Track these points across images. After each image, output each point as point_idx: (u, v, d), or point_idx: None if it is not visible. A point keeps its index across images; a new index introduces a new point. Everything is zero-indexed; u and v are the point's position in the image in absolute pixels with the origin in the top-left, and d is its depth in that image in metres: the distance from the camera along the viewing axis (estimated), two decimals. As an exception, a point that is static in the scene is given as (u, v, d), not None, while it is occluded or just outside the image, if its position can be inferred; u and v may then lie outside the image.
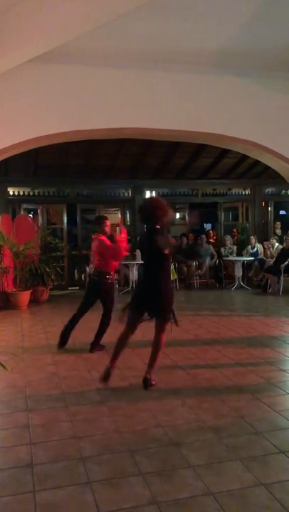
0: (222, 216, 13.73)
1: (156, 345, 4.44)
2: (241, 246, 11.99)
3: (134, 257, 10.26)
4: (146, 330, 6.68)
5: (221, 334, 6.46)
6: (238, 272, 10.92)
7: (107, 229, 5.97)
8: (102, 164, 11.44)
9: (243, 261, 11.03)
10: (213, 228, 15.24)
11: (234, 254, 11.48)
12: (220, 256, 11.50)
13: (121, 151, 10.85)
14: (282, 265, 9.79)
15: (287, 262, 9.80)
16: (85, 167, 11.40)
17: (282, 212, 15.65)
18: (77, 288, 11.48)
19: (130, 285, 10.29)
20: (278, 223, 13.25)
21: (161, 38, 6.97)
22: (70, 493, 2.70)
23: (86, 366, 5.11)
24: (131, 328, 4.50)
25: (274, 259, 10.42)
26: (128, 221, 13.08)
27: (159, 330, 4.43)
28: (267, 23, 6.83)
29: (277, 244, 11.03)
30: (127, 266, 10.41)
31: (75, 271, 12.43)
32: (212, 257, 11.54)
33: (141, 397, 4.11)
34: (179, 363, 5.12)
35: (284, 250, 10.24)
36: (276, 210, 14.33)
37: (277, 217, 14.32)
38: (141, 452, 3.14)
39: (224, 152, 11.17)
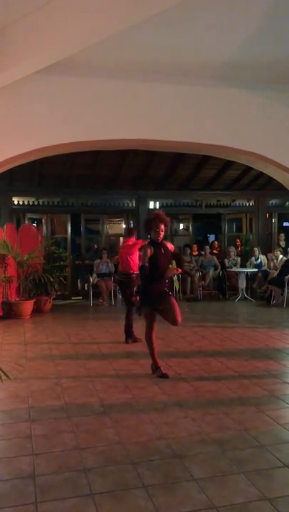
0: (226, 227, 13.74)
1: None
2: (245, 257, 11.98)
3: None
4: (143, 343, 6.67)
5: (224, 346, 6.43)
6: (242, 284, 10.89)
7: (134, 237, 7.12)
8: (106, 175, 11.50)
9: (247, 272, 11.01)
10: (217, 239, 15.24)
11: (238, 266, 11.47)
12: (223, 267, 11.49)
13: (125, 162, 10.91)
14: (286, 277, 9.77)
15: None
16: (90, 177, 11.46)
17: (286, 223, 15.65)
18: (80, 298, 11.48)
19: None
20: (282, 235, 13.25)
21: (166, 50, 7.05)
22: (73, 505, 2.68)
23: (89, 377, 5.08)
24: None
25: (278, 270, 10.40)
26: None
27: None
28: (271, 36, 6.90)
29: (281, 255, 11.01)
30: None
31: (78, 281, 12.44)
32: (216, 268, 11.53)
33: (144, 409, 4.09)
34: (182, 374, 5.09)
35: (288, 262, 10.22)
36: (280, 221, 14.34)
37: (281, 228, 14.32)
38: (144, 464, 3.11)
39: (228, 164, 11.22)
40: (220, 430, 3.63)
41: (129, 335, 6.65)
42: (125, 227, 7.48)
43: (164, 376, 4.94)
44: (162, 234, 5.07)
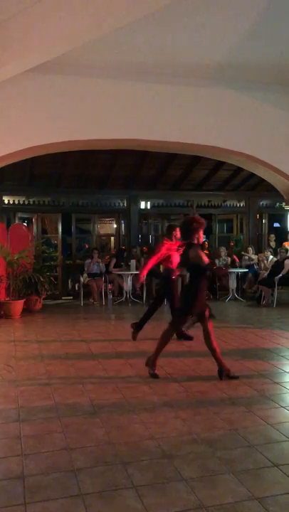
0: (217, 228, 13.78)
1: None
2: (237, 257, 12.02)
3: (128, 268, 10.26)
4: (137, 342, 6.67)
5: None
6: (232, 284, 10.94)
7: (175, 235, 6.57)
8: (98, 174, 11.49)
9: (237, 273, 11.05)
10: (208, 239, 15.27)
11: (229, 266, 11.50)
12: (214, 267, 11.52)
13: (117, 162, 10.91)
14: (276, 277, 9.82)
15: (281, 274, 9.84)
16: (81, 177, 11.44)
17: (276, 224, 15.73)
18: (71, 298, 11.45)
19: (124, 296, 10.26)
20: (272, 236, 13.32)
21: (160, 50, 7.06)
22: (62, 505, 2.66)
23: (79, 377, 5.07)
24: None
25: (268, 271, 10.46)
26: (123, 231, 13.11)
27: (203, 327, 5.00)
28: (265, 38, 6.94)
29: (271, 256, 11.07)
30: (121, 276, 10.40)
31: (69, 280, 12.41)
32: (206, 269, 11.56)
33: (134, 409, 4.08)
34: (173, 374, 5.10)
35: (278, 263, 10.28)
36: (270, 222, 14.42)
37: (271, 229, 14.40)
38: (134, 464, 3.11)
39: (219, 164, 11.27)
40: (210, 430, 3.64)
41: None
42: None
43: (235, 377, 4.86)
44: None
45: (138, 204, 12.68)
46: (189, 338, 6.63)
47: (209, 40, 6.97)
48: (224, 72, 7.87)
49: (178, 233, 6.46)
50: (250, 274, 11.22)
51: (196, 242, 4.91)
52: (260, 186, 12.37)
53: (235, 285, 10.96)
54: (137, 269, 10.22)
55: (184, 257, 5.13)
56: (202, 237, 5.01)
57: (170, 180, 12.40)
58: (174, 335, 6.53)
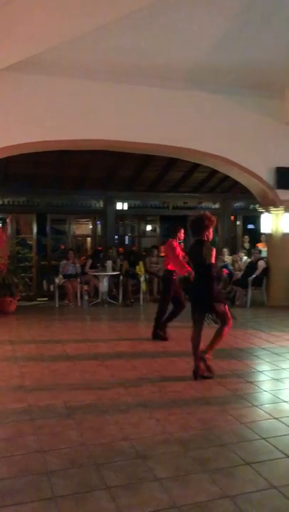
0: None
1: (216, 334, 5.04)
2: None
3: (104, 269, 10.23)
4: (112, 344, 6.66)
5: (189, 346, 6.43)
6: (208, 285, 11.00)
7: (180, 236, 6.75)
8: (74, 175, 11.43)
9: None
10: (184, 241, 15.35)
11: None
12: (190, 268, 11.58)
13: (93, 162, 10.87)
14: (250, 278, 9.95)
15: (254, 275, 9.97)
16: (56, 177, 11.36)
17: (250, 226, 15.95)
18: (46, 299, 11.33)
19: (100, 297, 10.23)
20: (246, 237, 13.50)
21: (136, 52, 7.08)
22: (33, 509, 2.64)
23: (53, 379, 5.03)
24: (198, 326, 5.03)
25: (242, 272, 10.58)
26: (99, 232, 13.08)
27: (220, 323, 5.00)
28: (240, 42, 7.06)
29: (245, 257, 11.20)
30: (96, 277, 10.36)
31: (44, 281, 12.29)
32: (182, 270, 11.61)
33: (108, 410, 4.08)
34: (147, 375, 5.11)
35: (251, 263, 10.41)
36: (244, 224, 14.62)
37: (245, 231, 14.59)
38: (107, 465, 3.11)
39: (195, 166, 11.36)
40: (184, 430, 3.67)
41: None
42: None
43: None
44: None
45: (114, 205, 12.67)
46: (164, 338, 6.66)
47: (185, 43, 7.03)
48: (200, 74, 7.95)
49: (182, 234, 6.81)
50: (224, 275, 11.31)
51: (206, 239, 4.95)
52: (235, 188, 12.52)
53: (210, 286, 11.04)
54: (113, 270, 10.20)
55: (194, 253, 5.09)
56: (212, 235, 5.04)
57: (146, 182, 12.43)
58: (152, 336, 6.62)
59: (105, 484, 2.87)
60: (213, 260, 4.87)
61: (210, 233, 4.98)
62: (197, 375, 4.90)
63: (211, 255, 4.83)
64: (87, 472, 3.03)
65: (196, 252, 4.97)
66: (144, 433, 3.62)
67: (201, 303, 4.96)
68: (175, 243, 6.69)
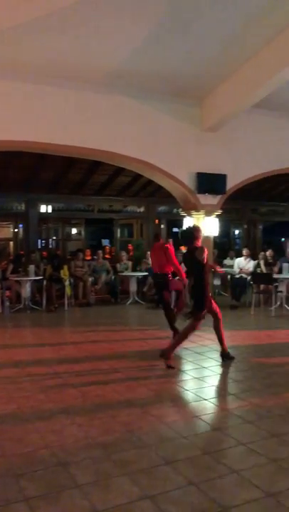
0: (118, 232, 13.96)
1: (216, 330, 5.77)
2: (137, 261, 12.25)
3: (26, 273, 9.97)
4: (34, 350, 6.51)
5: (114, 349, 6.50)
6: (133, 287, 11.13)
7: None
8: (-8, 176, 11.05)
9: (138, 276, 11.27)
10: (111, 244, 15.41)
11: (129, 270, 11.68)
12: (116, 272, 11.62)
13: (13, 163, 10.56)
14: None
15: (177, 277, 10.19)
16: (-25, 178, 10.91)
17: (175, 229, 16.35)
18: None
19: (22, 303, 9.94)
20: (170, 240, 13.76)
21: (57, 52, 6.99)
22: None
23: (-29, 389, 4.80)
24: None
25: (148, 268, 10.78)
26: (21, 235, 12.72)
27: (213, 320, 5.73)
28: (161, 49, 7.20)
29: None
30: (18, 282, 10.06)
31: None
32: (108, 273, 11.62)
33: (29, 418, 3.97)
34: (70, 380, 5.04)
35: (175, 266, 10.64)
36: (169, 227, 14.94)
37: (170, 234, 14.93)
38: (27, 476, 3.02)
39: (119, 170, 11.43)
40: (106, 433, 3.66)
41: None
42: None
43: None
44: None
45: (38, 207, 12.40)
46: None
47: (106, 47, 7.06)
48: (121, 79, 8.02)
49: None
50: (150, 278, 11.48)
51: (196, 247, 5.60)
52: (159, 193, 12.77)
53: (135, 288, 11.17)
54: (36, 274, 9.96)
55: (189, 259, 5.65)
56: (200, 243, 5.71)
57: (71, 184, 12.31)
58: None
59: (24, 496, 2.79)
60: (205, 259, 5.43)
61: (199, 242, 5.67)
62: (228, 356, 5.73)
63: (202, 254, 5.41)
64: (5, 484, 2.92)
65: (191, 257, 5.56)
66: (66, 440, 3.57)
67: (200, 302, 5.47)
68: (168, 245, 6.90)
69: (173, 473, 3.05)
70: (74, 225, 14.71)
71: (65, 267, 10.49)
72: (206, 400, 4.44)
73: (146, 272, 11.48)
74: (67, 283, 10.20)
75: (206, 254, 5.46)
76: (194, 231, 5.75)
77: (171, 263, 6.74)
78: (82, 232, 13.82)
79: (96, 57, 7.32)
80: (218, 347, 5.83)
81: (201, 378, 5.17)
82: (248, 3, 6.31)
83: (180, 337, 5.69)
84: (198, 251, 5.48)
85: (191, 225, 6.19)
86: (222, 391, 4.75)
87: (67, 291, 10.20)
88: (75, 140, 8.12)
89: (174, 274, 6.93)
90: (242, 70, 8.03)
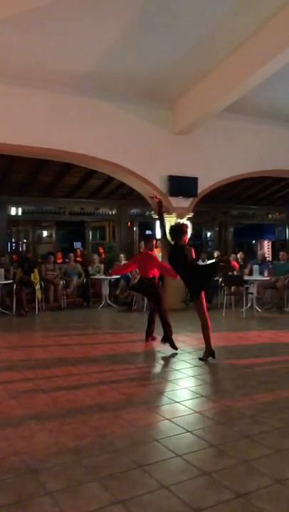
0: (90, 235, 13.88)
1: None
2: (108, 264, 12.19)
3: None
4: (3, 355, 6.39)
5: (86, 353, 6.44)
6: (105, 290, 11.07)
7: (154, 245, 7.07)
8: None
9: (110, 279, 11.22)
10: (82, 247, 15.31)
11: (101, 273, 11.61)
12: (88, 274, 11.54)
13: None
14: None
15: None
16: None
17: (148, 232, 16.37)
18: None
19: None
20: (143, 243, 13.78)
21: (27, 53, 6.91)
22: None
23: None
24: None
25: (139, 276, 10.77)
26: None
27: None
28: (133, 52, 7.21)
29: (141, 262, 11.42)
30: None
31: None
32: (80, 276, 11.52)
33: (-2, 425, 3.88)
34: (41, 386, 4.96)
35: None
36: (141, 229, 14.95)
37: (142, 236, 14.92)
38: (-5, 485, 2.95)
39: (91, 172, 11.37)
40: (77, 439, 3.61)
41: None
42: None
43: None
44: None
45: (7, 210, 12.20)
46: (174, 347, 6.50)
47: (77, 49, 7.02)
48: (92, 81, 7.99)
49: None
50: (122, 280, 11.45)
51: (184, 243, 5.92)
52: (131, 195, 12.77)
53: (107, 291, 11.12)
54: (6, 278, 9.79)
55: (176, 256, 5.90)
56: (187, 239, 6.02)
57: (41, 186, 12.17)
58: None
59: (-8, 505, 2.72)
60: (194, 256, 5.92)
61: (186, 238, 5.99)
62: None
63: (191, 254, 5.84)
64: (-27, 494, 2.84)
65: (178, 254, 5.87)
66: (36, 446, 3.50)
67: (194, 288, 5.87)
68: (152, 253, 7.11)
69: (144, 476, 3.03)
70: (45, 228, 14.52)
71: (36, 271, 10.35)
72: (178, 402, 4.45)
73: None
74: (37, 286, 10.07)
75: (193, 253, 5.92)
76: (182, 227, 6.05)
77: (158, 268, 6.87)
78: (54, 235, 13.67)
79: (68, 59, 7.28)
80: (190, 349, 5.85)
81: (173, 381, 5.18)
82: (219, 8, 6.40)
83: (205, 328, 5.85)
84: (186, 250, 5.86)
85: (180, 222, 6.61)
86: (194, 393, 4.76)
87: (38, 294, 10.07)
88: (46, 142, 8.03)
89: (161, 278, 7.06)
90: (213, 74, 8.12)
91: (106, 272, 10.73)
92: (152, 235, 8.57)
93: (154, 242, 7.38)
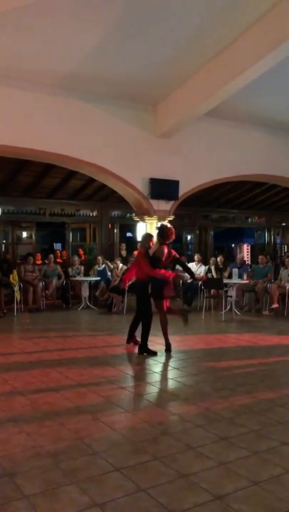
0: (70, 236, 13.79)
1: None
2: (88, 266, 12.14)
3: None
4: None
5: (64, 355, 6.40)
6: (85, 292, 11.02)
7: (151, 244, 6.69)
8: None
9: (90, 281, 11.18)
10: (62, 248, 15.19)
11: (81, 275, 11.55)
12: (67, 276, 11.46)
13: None
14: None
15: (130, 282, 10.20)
16: None
17: (128, 234, 16.37)
18: None
19: None
20: (123, 245, 13.80)
21: (10, 53, 6.85)
22: None
23: None
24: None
25: (119, 279, 10.76)
26: None
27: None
28: (115, 54, 7.21)
29: (121, 264, 11.42)
30: None
31: None
32: (59, 277, 11.43)
33: (-26, 429, 3.82)
34: (18, 388, 4.90)
35: (127, 271, 10.64)
36: (122, 232, 14.94)
37: (123, 238, 14.93)
38: (-29, 489, 2.90)
39: (72, 173, 11.31)
40: (55, 442, 3.58)
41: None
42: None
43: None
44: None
45: (-14, 210, 12.04)
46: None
47: (60, 50, 7.00)
48: (74, 82, 7.97)
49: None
50: (102, 282, 11.42)
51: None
52: (112, 197, 12.74)
53: (87, 293, 11.07)
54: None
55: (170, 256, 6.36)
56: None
57: (21, 187, 12.04)
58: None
59: None
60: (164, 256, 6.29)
61: (170, 240, 6.39)
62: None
63: (162, 254, 6.25)
64: None
65: (170, 253, 6.40)
66: (14, 449, 3.46)
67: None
68: (142, 251, 6.65)
69: (122, 479, 3.03)
70: (24, 229, 14.36)
71: (15, 272, 10.25)
72: (156, 404, 4.45)
73: (98, 276, 11.39)
74: (16, 288, 9.96)
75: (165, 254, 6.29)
76: (169, 229, 6.43)
77: (147, 270, 6.40)
78: (33, 236, 13.53)
79: (49, 60, 7.24)
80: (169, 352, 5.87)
81: (152, 383, 5.19)
82: (201, 12, 6.46)
83: (163, 328, 6.45)
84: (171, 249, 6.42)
85: (164, 223, 7.17)
86: (172, 395, 4.78)
87: (17, 296, 9.96)
88: (27, 142, 7.97)
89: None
90: (194, 80, 8.19)
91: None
92: (134, 236, 8.36)
93: (152, 239, 6.79)
